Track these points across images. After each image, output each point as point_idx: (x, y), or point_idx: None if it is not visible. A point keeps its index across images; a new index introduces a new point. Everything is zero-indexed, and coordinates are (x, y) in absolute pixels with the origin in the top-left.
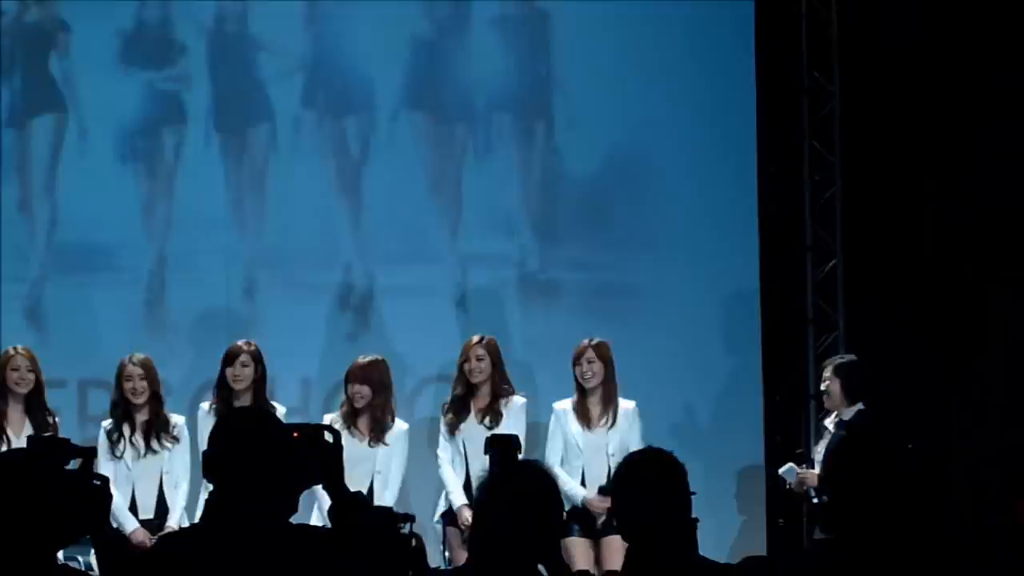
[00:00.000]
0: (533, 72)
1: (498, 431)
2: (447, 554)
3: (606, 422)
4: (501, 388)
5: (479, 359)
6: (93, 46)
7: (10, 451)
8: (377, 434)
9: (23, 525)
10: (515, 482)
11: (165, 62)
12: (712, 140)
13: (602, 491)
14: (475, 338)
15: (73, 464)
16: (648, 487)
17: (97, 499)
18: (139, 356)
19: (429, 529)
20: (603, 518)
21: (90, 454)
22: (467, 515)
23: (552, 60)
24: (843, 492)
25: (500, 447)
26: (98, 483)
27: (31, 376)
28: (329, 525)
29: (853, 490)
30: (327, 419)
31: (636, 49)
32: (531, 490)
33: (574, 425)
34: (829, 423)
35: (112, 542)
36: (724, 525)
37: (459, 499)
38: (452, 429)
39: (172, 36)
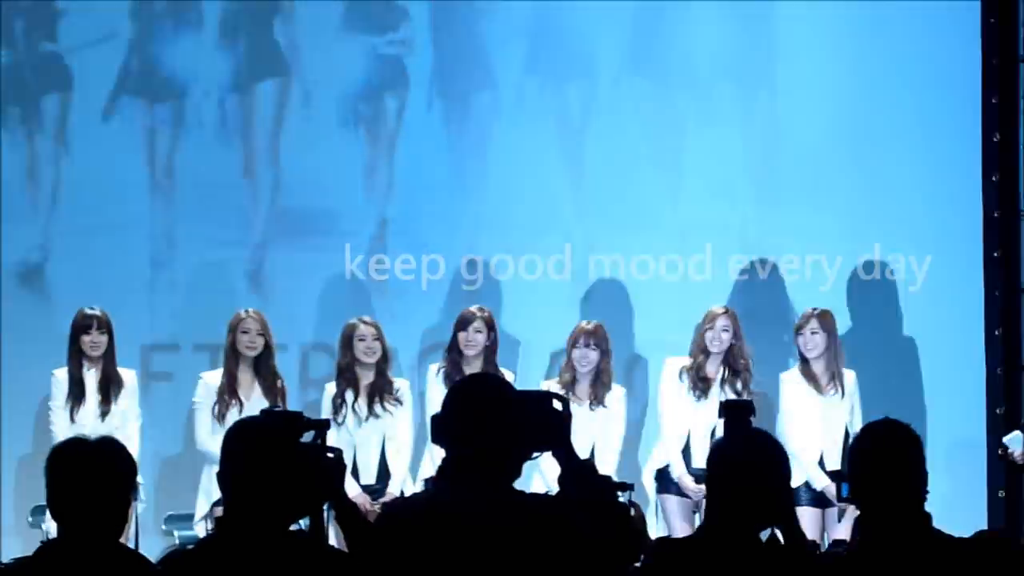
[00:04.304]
0: (756, 39)
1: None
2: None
3: (832, 391)
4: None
5: (724, 330)
6: (317, 11)
7: (247, 420)
8: (598, 398)
9: (259, 496)
10: (746, 449)
11: (388, 27)
12: (935, 109)
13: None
14: (719, 308)
15: (306, 437)
16: (887, 458)
17: (332, 471)
18: (368, 318)
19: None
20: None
21: (323, 427)
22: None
23: (774, 27)
24: None
25: (735, 413)
26: (332, 456)
27: (261, 340)
28: (555, 492)
29: None
30: (544, 386)
31: (859, 18)
32: (761, 457)
33: (800, 391)
34: None
35: (350, 513)
36: (935, 498)
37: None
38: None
39: (395, 1)
